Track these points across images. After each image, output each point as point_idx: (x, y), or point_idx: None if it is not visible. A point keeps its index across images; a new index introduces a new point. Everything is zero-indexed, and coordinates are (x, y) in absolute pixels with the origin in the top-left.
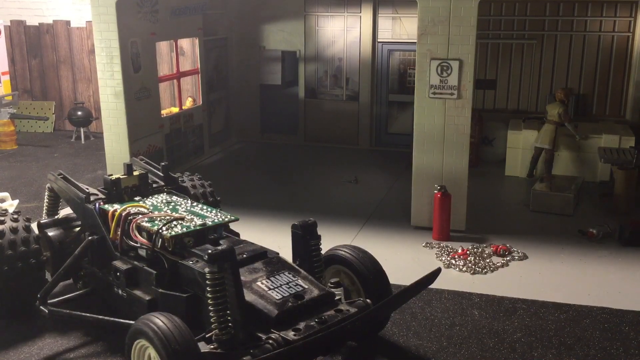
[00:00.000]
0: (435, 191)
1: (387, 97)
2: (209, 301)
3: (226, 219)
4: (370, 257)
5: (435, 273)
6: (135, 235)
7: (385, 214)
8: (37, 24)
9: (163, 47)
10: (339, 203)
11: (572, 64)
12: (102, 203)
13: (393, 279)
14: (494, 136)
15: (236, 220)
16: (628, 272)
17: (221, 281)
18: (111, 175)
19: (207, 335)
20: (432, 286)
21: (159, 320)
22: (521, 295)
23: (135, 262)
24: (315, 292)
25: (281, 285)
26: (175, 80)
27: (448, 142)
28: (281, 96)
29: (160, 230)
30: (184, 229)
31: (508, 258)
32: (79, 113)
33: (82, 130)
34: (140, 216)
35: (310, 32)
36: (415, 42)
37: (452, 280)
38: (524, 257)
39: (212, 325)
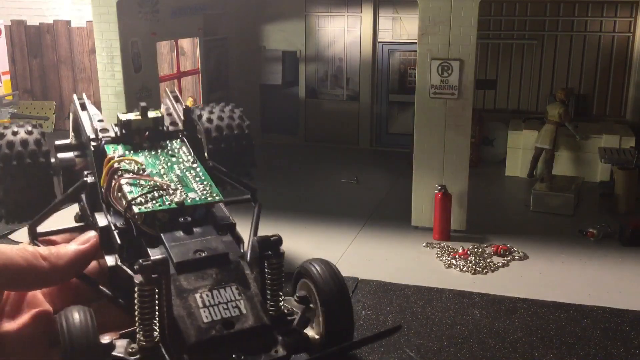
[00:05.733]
0: (436, 191)
1: (388, 97)
2: (135, 310)
3: (209, 198)
4: (339, 284)
5: (395, 329)
6: (114, 197)
7: (386, 214)
8: (38, 24)
9: (163, 47)
10: (339, 203)
11: (572, 64)
12: (105, 142)
13: (394, 279)
14: (495, 136)
15: (220, 201)
16: (628, 272)
17: (151, 292)
18: (125, 113)
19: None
20: (433, 285)
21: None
22: (522, 295)
23: (114, 222)
24: (250, 322)
25: (219, 303)
26: (175, 80)
27: (448, 142)
28: (281, 96)
29: (133, 202)
30: (157, 206)
31: (508, 258)
32: None
33: None
34: (127, 175)
35: (310, 32)
36: (415, 42)
37: (453, 280)
38: (525, 257)
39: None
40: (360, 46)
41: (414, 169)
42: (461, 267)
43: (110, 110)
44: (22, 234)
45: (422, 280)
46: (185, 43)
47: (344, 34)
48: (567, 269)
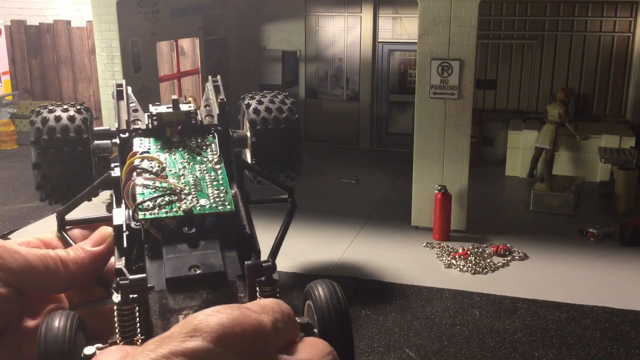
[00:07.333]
0: (436, 191)
1: (388, 97)
2: (116, 329)
3: (219, 208)
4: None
5: None
6: (126, 196)
7: (386, 214)
8: (38, 24)
9: (163, 47)
10: (339, 203)
11: (572, 64)
12: (135, 135)
13: (394, 279)
14: (495, 136)
15: (230, 212)
16: (628, 272)
17: (131, 311)
18: (158, 104)
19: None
20: (433, 286)
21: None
22: (522, 295)
23: (128, 221)
24: None
25: None
26: (175, 80)
27: (449, 142)
28: None
29: (140, 207)
30: (162, 213)
31: (508, 258)
32: None
33: None
34: (144, 174)
35: (310, 32)
36: (415, 42)
37: (453, 280)
38: (525, 257)
39: None
40: (360, 46)
41: (414, 169)
42: (461, 267)
43: (110, 110)
44: (22, 233)
45: (422, 280)
46: (185, 43)
47: (344, 34)
48: (567, 269)
